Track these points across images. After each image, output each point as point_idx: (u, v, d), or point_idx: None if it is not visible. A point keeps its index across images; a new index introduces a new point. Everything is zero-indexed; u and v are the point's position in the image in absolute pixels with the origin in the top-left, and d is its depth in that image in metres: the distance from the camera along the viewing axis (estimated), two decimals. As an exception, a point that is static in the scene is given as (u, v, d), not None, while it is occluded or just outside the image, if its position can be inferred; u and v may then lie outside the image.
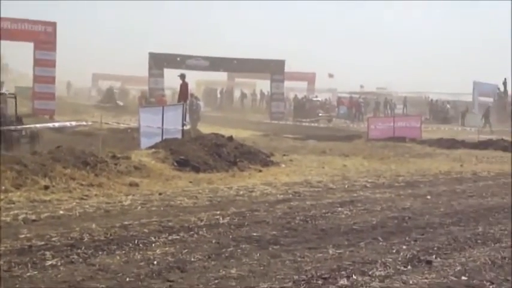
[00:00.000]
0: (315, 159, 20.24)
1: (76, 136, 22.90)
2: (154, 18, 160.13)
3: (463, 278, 7.09)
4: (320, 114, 49.31)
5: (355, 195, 13.18)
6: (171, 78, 41.55)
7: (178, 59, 46.24)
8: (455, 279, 7.04)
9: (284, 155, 21.03)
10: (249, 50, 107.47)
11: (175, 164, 15.82)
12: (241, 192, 12.96)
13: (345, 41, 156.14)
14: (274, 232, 9.21)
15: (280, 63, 49.82)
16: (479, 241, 9.05)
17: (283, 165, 18.23)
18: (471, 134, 34.86)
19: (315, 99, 57.01)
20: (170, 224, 9.53)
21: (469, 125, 45.13)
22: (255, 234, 9.01)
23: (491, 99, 58.98)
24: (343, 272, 7.12)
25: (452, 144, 28.26)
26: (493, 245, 8.84)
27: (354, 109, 54.53)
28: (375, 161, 20.72)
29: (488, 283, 6.91)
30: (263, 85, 59.98)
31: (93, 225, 9.11)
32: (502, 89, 56.52)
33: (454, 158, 22.80)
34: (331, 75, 76.24)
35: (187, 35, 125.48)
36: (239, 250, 8.04)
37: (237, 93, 69.76)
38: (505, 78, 53.99)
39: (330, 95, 71.70)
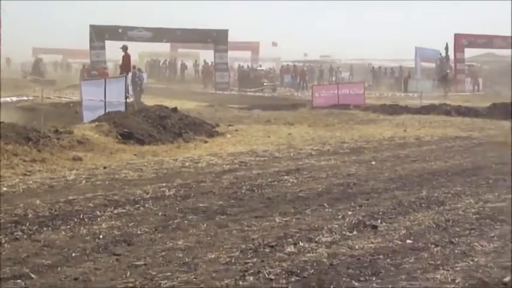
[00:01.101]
0: (260, 129, 20.27)
1: (17, 112, 22.44)
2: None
3: (408, 241, 7.20)
4: (264, 84, 49.20)
5: (300, 163, 13.25)
6: (113, 50, 41.01)
7: (120, 30, 45.69)
8: (400, 242, 7.14)
9: (229, 125, 20.99)
10: (192, 20, 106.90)
11: (119, 137, 15.66)
12: (187, 164, 12.91)
13: (289, 9, 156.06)
14: (220, 202, 9.22)
15: (224, 33, 49.57)
16: (423, 205, 9.20)
17: (228, 136, 18.21)
18: (414, 99, 35.30)
19: (259, 68, 56.92)
20: (115, 197, 9.45)
21: (411, 90, 45.60)
22: (201, 205, 9.00)
23: (433, 65, 59.69)
24: (289, 240, 7.18)
25: (395, 110, 28.51)
26: (436, 208, 8.99)
27: (298, 77, 54.57)
28: (320, 129, 20.83)
29: (432, 246, 7.01)
30: (207, 55, 59.50)
31: (37, 201, 8.98)
32: (443, 54, 57.19)
33: (398, 123, 23.04)
34: (274, 44, 76.34)
35: (129, 5, 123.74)
36: (186, 221, 8.03)
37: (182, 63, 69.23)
38: (447, 43, 54.60)
39: (274, 64, 71.71)
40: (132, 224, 7.87)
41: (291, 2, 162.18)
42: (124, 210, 8.62)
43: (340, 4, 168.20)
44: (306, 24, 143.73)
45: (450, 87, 43.51)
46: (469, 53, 58.31)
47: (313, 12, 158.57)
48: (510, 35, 53.98)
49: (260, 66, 59.50)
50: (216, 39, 49.41)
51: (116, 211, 8.55)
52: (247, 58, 70.12)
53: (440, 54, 57.26)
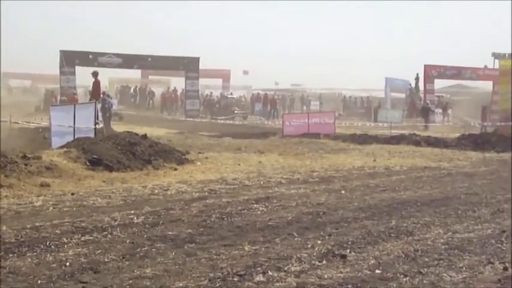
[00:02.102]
0: (230, 157, 20.21)
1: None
2: (68, 16, 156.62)
3: (377, 271, 7.19)
4: (235, 112, 49.31)
5: (270, 191, 13.22)
6: (83, 76, 40.86)
7: (90, 56, 45.49)
8: (369, 272, 7.13)
9: (199, 152, 20.91)
10: (164, 47, 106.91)
11: (88, 163, 15.50)
12: (156, 191, 12.82)
13: (261, 38, 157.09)
14: (189, 230, 9.15)
15: (195, 61, 49.58)
16: (392, 234, 9.21)
17: (198, 163, 18.12)
18: (384, 129, 35.55)
19: (230, 96, 57.00)
20: (83, 224, 9.34)
21: (381, 120, 45.92)
22: (170, 233, 8.92)
23: (403, 95, 60.28)
24: (258, 268, 7.13)
25: (365, 139, 28.69)
26: (406, 238, 9.01)
27: (269, 106, 54.73)
28: (290, 157, 20.83)
29: (401, 276, 7.01)
30: (178, 82, 59.46)
31: (3, 227, 8.85)
32: (413, 84, 57.78)
33: (367, 153, 23.15)
34: (246, 72, 76.58)
35: (100, 31, 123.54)
36: (154, 249, 7.95)
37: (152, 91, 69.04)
38: (417, 74, 55.21)
39: (245, 92, 71.90)
40: (99, 251, 7.77)
41: (263, 30, 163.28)
42: (91, 238, 8.52)
43: (312, 30, 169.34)
44: (277, 53, 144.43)
45: (429, 118, 43.64)
46: (439, 84, 58.94)
47: (285, 41, 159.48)
48: (479, 66, 54.82)
49: (231, 94, 59.52)
50: (187, 66, 49.42)
51: (83, 238, 8.45)
52: (219, 86, 70.06)
53: (410, 84, 57.94)
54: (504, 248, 8.46)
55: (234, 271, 7.01)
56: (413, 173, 17.24)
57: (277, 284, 6.65)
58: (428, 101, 48.79)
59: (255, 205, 11.38)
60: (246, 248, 8.08)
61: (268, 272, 7.00)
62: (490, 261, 7.71)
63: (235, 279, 6.78)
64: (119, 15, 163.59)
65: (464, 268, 7.39)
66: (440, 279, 6.92)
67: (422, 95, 53.54)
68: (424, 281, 6.85)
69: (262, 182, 14.64)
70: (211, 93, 60.46)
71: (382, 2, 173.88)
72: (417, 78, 55.77)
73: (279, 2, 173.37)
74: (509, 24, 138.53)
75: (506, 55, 53.98)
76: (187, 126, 37.66)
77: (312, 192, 13.22)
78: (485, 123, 39.27)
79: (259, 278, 6.82)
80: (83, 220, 9.63)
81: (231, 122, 42.57)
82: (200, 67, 50.36)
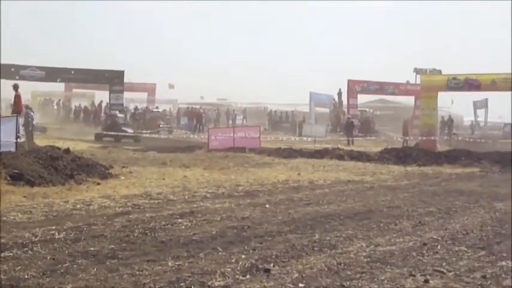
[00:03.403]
0: (155, 171, 20.05)
1: None
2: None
3: (300, 285, 7.21)
4: (161, 126, 49.04)
5: (195, 206, 13.16)
6: (5, 89, 39.93)
7: (12, 69, 44.61)
8: (292, 286, 7.15)
9: (123, 167, 20.69)
10: (89, 60, 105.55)
11: (9, 178, 15.13)
12: (78, 206, 12.59)
13: (187, 52, 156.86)
14: (112, 246, 9.00)
15: (120, 74, 49.09)
16: (315, 248, 9.27)
17: (122, 178, 17.92)
18: (308, 144, 35.90)
19: (155, 110, 56.66)
20: (3, 240, 9.08)
21: (306, 134, 46.36)
22: (92, 248, 8.77)
23: (327, 110, 61.07)
24: (182, 284, 7.07)
25: (290, 153, 28.97)
26: (329, 251, 9.07)
27: (194, 120, 54.65)
28: (215, 172, 20.81)
29: (324, 289, 7.06)
30: (103, 96, 58.77)
31: None
32: (337, 99, 58.62)
33: (292, 167, 23.32)
34: (171, 86, 76.21)
35: (22, 44, 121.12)
36: (75, 265, 7.79)
37: (76, 104, 68.08)
38: (340, 89, 56.04)
39: (171, 106, 71.60)
40: (19, 267, 7.58)
41: (189, 44, 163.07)
42: (11, 254, 8.30)
43: (237, 45, 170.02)
44: (202, 67, 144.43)
45: (352, 133, 44.11)
46: (362, 98, 59.96)
47: (210, 55, 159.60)
48: (401, 82, 55.98)
49: (157, 108, 59.15)
50: (112, 80, 48.90)
51: (2, 255, 8.22)
52: (144, 99, 69.52)
53: (334, 99, 58.78)
54: (425, 261, 8.61)
55: (157, 287, 6.94)
56: (337, 187, 17.45)
57: (201, 299, 6.61)
58: (350, 115, 49.56)
59: (179, 220, 11.30)
60: (170, 264, 8.01)
61: (191, 287, 6.95)
62: (412, 274, 7.83)
63: (158, 295, 6.71)
64: (42, 27, 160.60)
65: (386, 281, 7.48)
66: (363, 292, 7.00)
67: (345, 110, 54.30)
68: (347, 294, 6.92)
69: (187, 197, 14.57)
70: (136, 107, 59.90)
71: (306, 16, 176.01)
72: (340, 93, 56.62)
73: (204, 17, 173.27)
74: (431, 40, 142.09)
75: (428, 71, 55.39)
76: (111, 140, 37.27)
77: (236, 207, 13.22)
78: (407, 138, 40.13)
79: (183, 293, 6.77)
80: (3, 236, 9.37)
81: (156, 136, 42.28)
82: (125, 80, 49.93)
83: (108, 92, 50.48)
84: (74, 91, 69.51)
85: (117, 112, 45.62)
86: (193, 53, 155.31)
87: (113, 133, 39.11)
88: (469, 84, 38.38)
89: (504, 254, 9.12)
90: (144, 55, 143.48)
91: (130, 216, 11.64)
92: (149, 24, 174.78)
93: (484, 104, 64.10)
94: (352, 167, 23.96)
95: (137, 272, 7.55)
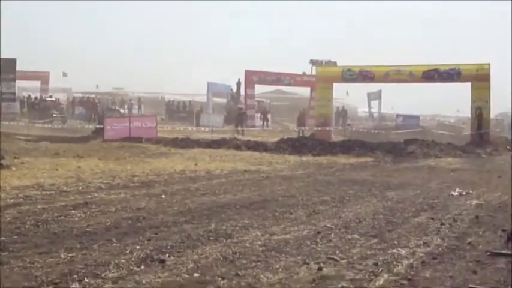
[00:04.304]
0: (48, 162, 19.59)
1: None
2: None
3: (196, 274, 7.19)
4: (54, 115, 47.89)
5: (89, 197, 12.94)
6: None
7: None
8: (187, 276, 7.11)
9: (15, 157, 20.12)
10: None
11: None
12: (-36, 198, 12.17)
13: (81, 40, 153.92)
14: (2, 238, 8.74)
15: (11, 62, 47.50)
16: (211, 238, 9.26)
17: (13, 168, 17.42)
18: (205, 134, 35.89)
19: (48, 99, 55.24)
20: None
21: (203, 124, 46.31)
22: (-20, 242, 8.49)
23: (224, 100, 61.14)
24: (75, 276, 6.93)
25: (187, 143, 28.91)
26: (224, 240, 9.08)
27: (90, 109, 53.69)
28: (111, 162, 20.53)
29: (219, 278, 7.05)
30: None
31: None
32: (234, 89, 58.74)
33: (189, 157, 23.28)
34: (65, 75, 74.62)
35: None
36: (-38, 259, 7.51)
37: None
38: (239, 79, 56.15)
39: (65, 95, 70.00)
40: None
41: (83, 31, 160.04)
42: None
43: (134, 32, 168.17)
44: (97, 55, 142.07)
45: (244, 124, 44.13)
46: (259, 89, 60.29)
47: (105, 43, 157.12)
48: (298, 73, 56.65)
49: (50, 96, 57.64)
50: (3, 68, 47.21)
51: None
52: (37, 88, 67.60)
53: (232, 89, 58.89)
54: (319, 249, 8.73)
55: (49, 279, 6.77)
56: (234, 177, 17.53)
57: (94, 291, 6.50)
58: (241, 106, 49.82)
59: (72, 211, 11.08)
60: (62, 256, 7.83)
61: (84, 279, 6.81)
62: (306, 262, 7.92)
63: (50, 287, 6.54)
64: None
65: (280, 269, 7.54)
66: (257, 281, 7.03)
67: (243, 100, 54.49)
68: (242, 283, 6.93)
69: (80, 188, 14.31)
70: (28, 95, 58.18)
71: (208, 5, 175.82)
72: (238, 84, 56.73)
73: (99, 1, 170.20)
74: (327, 32, 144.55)
75: (323, 62, 56.24)
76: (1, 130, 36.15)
77: (132, 197, 13.08)
78: (303, 128, 40.69)
79: (75, 285, 6.63)
80: None
81: (50, 125, 41.28)
82: (17, 69, 48.42)
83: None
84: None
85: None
86: (88, 41, 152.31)
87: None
88: (363, 75, 39.32)
89: (395, 242, 9.36)
90: (38, 43, 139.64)
91: (21, 207, 11.34)
92: (43, 9, 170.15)
93: (377, 95, 65.63)
94: (249, 157, 24.11)
95: (28, 265, 7.36)
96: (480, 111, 35.81)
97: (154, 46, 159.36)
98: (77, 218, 10.51)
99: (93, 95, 63.04)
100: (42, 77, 68.68)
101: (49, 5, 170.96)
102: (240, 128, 41.76)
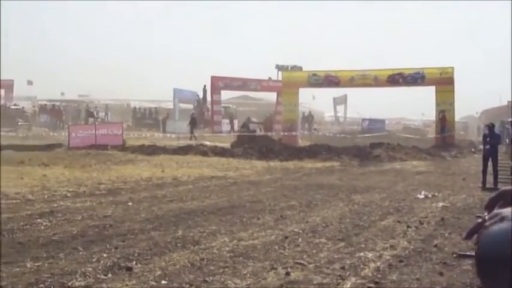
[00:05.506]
0: (12, 170, 19.34)
1: None
2: None
3: (163, 282, 7.17)
4: (18, 123, 47.43)
5: (55, 205, 12.83)
6: None
7: None
8: (155, 284, 7.10)
9: (-23, 167, 19.86)
10: None
11: None
12: None
13: (46, 48, 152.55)
14: (-34, 249, 8.64)
15: (-25, 70, 47.15)
16: (179, 244, 9.25)
17: (-24, 178, 17.20)
18: (172, 140, 35.77)
19: (12, 107, 54.68)
20: None
21: (170, 131, 46.13)
22: None
23: (191, 106, 61.01)
24: (41, 286, 6.89)
25: (153, 150, 28.76)
26: (192, 247, 9.07)
27: (55, 117, 53.24)
28: (76, 170, 20.36)
29: (187, 285, 7.05)
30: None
31: None
32: (201, 96, 58.66)
33: (156, 164, 23.18)
34: (30, 83, 73.89)
35: None
36: None
37: None
38: (205, 85, 56.05)
39: (30, 103, 69.29)
40: None
41: (49, 39, 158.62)
42: None
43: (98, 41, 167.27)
44: (63, 63, 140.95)
45: (196, 128, 43.81)
46: (226, 95, 60.27)
47: (70, 51, 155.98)
48: (264, 78, 56.73)
49: (14, 105, 57.04)
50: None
51: None
52: (1, 97, 66.81)
53: (198, 96, 58.83)
54: (287, 254, 8.77)
55: (14, 289, 6.71)
56: (201, 183, 17.50)
57: (61, 300, 6.45)
58: (193, 112, 49.80)
59: (38, 220, 10.99)
60: (28, 265, 7.76)
61: (51, 289, 6.77)
62: (273, 267, 7.95)
63: (16, 298, 6.49)
64: None
65: (248, 275, 7.56)
66: (225, 287, 7.04)
67: (209, 106, 54.43)
68: (209, 290, 6.94)
69: (46, 196, 14.19)
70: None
71: (171, 13, 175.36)
72: (205, 90, 56.67)
73: (66, 4, 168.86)
74: (292, 38, 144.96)
75: (289, 67, 56.44)
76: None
77: (98, 205, 13.00)
78: (270, 133, 40.75)
79: (42, 295, 6.58)
80: None
81: (14, 134, 40.82)
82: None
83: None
84: None
85: None
86: (53, 49, 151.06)
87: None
88: (329, 80, 39.55)
89: (362, 245, 9.43)
90: (2, 50, 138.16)
91: (-14, 217, 11.19)
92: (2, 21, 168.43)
93: (343, 100, 66.03)
94: (216, 163, 24.10)
95: (-6, 275, 7.28)
96: (443, 114, 36.26)
97: (120, 53, 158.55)
98: (43, 227, 10.43)
99: (59, 103, 62.43)
100: (7, 85, 67.94)
101: (13, 13, 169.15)
102: (193, 134, 41.37)
